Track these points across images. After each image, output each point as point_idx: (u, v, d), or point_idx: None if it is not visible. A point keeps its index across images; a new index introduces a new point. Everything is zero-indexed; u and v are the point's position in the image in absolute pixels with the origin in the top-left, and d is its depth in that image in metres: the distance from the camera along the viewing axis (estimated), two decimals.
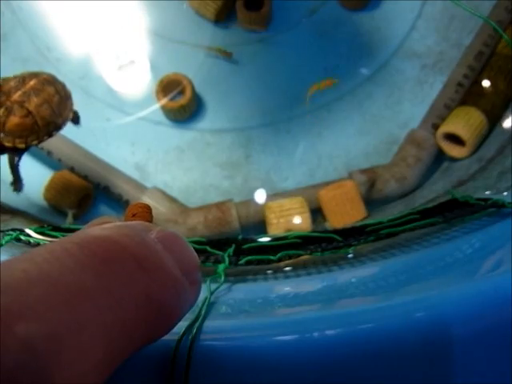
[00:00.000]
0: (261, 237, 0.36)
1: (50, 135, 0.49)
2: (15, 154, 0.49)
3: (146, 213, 0.20)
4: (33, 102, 0.47)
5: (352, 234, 0.35)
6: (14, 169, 0.51)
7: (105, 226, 0.16)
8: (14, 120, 0.46)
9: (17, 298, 0.12)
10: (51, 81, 0.50)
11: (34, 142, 0.48)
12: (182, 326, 0.20)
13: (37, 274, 0.13)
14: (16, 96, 0.46)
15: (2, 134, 0.46)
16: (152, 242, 0.16)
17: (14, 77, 0.49)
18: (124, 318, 0.14)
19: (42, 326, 0.12)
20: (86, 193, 0.65)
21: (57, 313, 0.13)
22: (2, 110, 0.46)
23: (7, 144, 0.46)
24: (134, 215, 0.19)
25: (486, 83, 0.67)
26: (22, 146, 0.47)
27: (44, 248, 0.14)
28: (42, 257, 0.14)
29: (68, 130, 0.67)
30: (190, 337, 0.20)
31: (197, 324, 0.20)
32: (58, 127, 0.50)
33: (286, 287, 0.31)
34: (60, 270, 0.13)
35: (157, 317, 0.15)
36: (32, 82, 0.48)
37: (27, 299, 0.12)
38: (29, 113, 0.46)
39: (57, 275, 0.13)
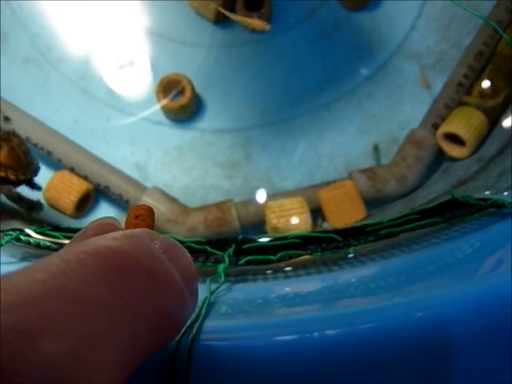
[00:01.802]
0: (261, 237, 0.36)
1: (32, 175, 0.55)
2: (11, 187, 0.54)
3: (149, 216, 0.20)
4: (13, 142, 0.53)
5: (352, 234, 0.35)
6: (17, 199, 0.55)
7: (113, 235, 0.17)
8: (3, 153, 0.51)
9: (39, 314, 0.12)
10: (14, 133, 0.57)
11: (22, 177, 0.53)
12: None
13: (55, 286, 0.13)
14: None
15: None
16: (158, 253, 0.17)
17: None
18: (137, 331, 0.14)
19: (65, 342, 0.12)
20: (86, 193, 0.65)
21: (78, 328, 0.13)
22: None
23: (2, 174, 0.51)
24: (136, 217, 0.20)
25: (485, 83, 0.67)
26: (13, 177, 0.51)
27: (58, 257, 0.14)
28: (58, 267, 0.14)
29: (68, 130, 0.68)
30: (190, 337, 0.20)
31: (197, 324, 0.21)
32: (35, 171, 0.56)
33: (286, 287, 0.31)
34: (77, 283, 0.13)
35: (166, 327, 0.16)
36: None
37: (49, 314, 0.12)
38: (13, 148, 0.52)
39: (74, 288, 0.13)
